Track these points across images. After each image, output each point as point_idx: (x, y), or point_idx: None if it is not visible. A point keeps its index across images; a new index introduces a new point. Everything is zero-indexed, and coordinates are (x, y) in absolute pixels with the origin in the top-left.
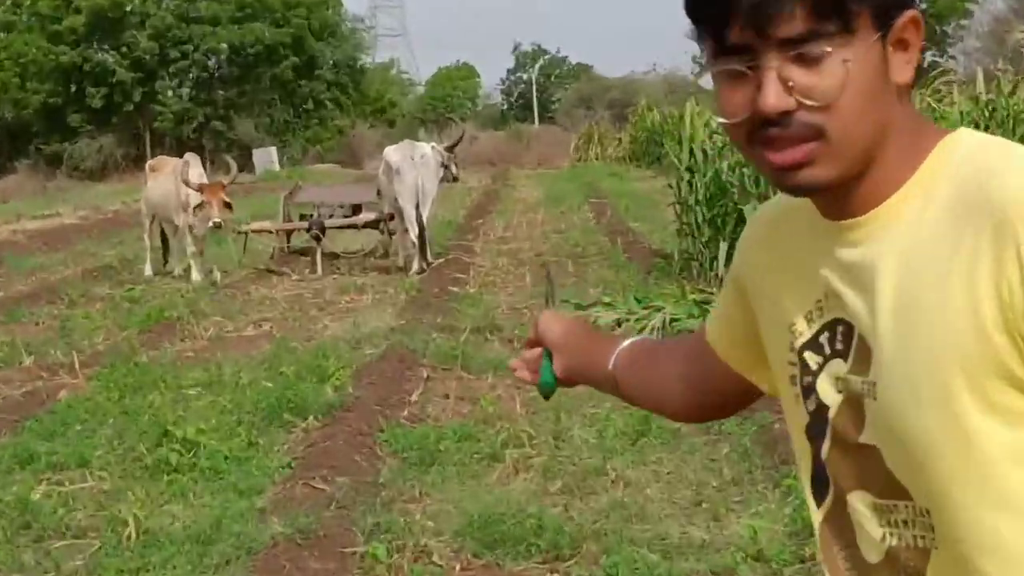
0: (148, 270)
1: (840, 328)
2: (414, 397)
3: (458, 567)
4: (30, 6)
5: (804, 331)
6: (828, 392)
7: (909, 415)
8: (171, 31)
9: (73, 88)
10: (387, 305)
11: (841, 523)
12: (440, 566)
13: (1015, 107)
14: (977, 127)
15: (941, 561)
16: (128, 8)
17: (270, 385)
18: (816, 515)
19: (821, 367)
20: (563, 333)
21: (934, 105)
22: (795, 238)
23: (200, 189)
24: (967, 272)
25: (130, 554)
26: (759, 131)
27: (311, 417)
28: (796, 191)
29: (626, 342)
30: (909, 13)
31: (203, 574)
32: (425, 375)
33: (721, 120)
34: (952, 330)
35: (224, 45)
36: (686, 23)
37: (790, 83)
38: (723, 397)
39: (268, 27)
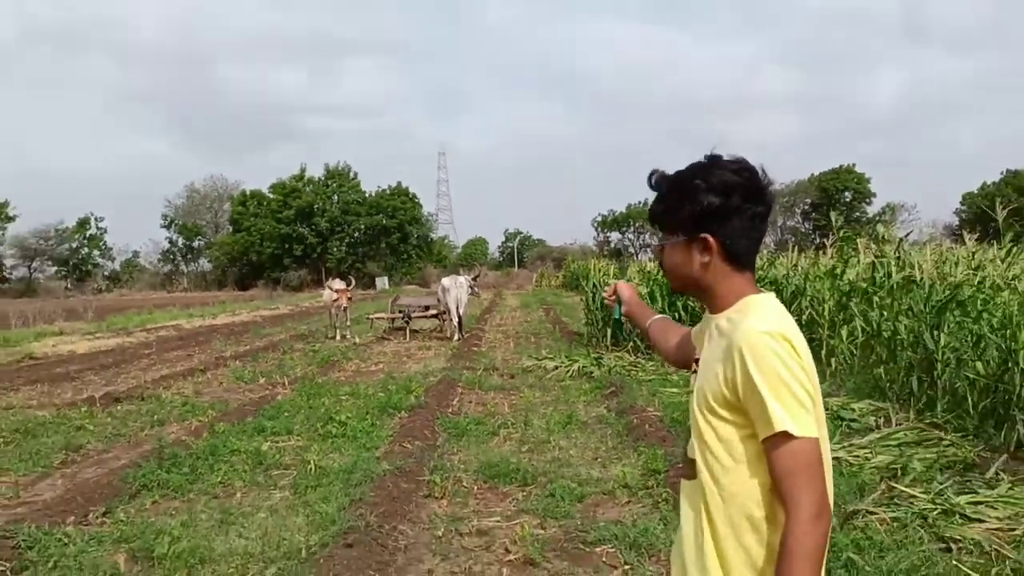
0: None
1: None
2: (455, 402)
3: (475, 488)
4: (266, 205)
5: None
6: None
7: (692, 406)
8: (336, 219)
9: (287, 246)
10: (442, 356)
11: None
12: (467, 487)
13: None
14: None
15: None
16: (315, 206)
17: (383, 395)
18: None
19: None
20: (629, 296)
21: None
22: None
23: (336, 291)
24: (721, 361)
25: (312, 478)
26: None
27: (403, 411)
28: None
29: (657, 316)
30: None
31: (349, 488)
32: (460, 391)
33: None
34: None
35: (363, 226)
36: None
37: None
38: (688, 360)
39: (385, 218)
